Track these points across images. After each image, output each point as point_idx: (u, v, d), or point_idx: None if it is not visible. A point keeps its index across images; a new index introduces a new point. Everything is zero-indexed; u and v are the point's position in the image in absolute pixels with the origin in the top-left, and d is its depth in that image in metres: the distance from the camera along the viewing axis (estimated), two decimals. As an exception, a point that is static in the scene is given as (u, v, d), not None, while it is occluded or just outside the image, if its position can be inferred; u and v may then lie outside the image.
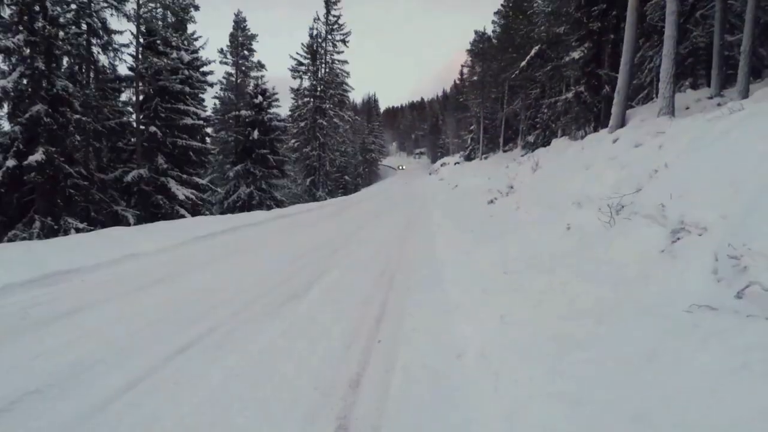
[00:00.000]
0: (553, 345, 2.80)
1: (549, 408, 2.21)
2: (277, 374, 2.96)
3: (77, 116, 13.18)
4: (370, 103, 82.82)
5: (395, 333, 3.78)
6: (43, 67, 12.17)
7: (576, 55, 13.86)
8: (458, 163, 43.03)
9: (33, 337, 3.53)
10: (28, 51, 11.99)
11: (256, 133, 23.97)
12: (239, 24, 29.31)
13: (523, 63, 18.53)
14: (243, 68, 29.61)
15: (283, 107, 38.36)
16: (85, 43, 15.50)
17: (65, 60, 14.65)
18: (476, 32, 38.04)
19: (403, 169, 65.20)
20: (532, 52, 17.79)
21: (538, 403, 2.27)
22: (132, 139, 17.59)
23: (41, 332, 3.64)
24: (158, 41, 17.57)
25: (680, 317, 2.49)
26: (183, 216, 16.48)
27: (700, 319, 2.37)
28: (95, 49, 16.14)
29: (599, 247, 4.24)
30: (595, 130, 13.61)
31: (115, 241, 7.49)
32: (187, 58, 19.11)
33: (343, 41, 34.77)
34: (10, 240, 11.02)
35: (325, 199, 29.72)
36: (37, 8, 12.10)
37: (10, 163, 11.69)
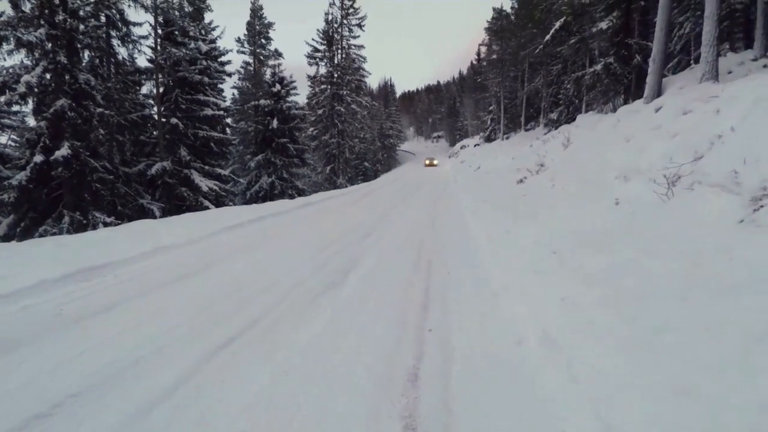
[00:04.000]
0: (631, 328, 2.51)
1: (648, 401, 1.94)
2: (329, 370, 2.76)
3: (100, 110, 13.21)
4: (387, 88, 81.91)
5: (444, 320, 3.55)
6: (66, 61, 12.17)
7: (604, 25, 13.17)
8: (478, 144, 42.22)
9: (69, 336, 3.41)
10: (50, 45, 11.99)
11: (275, 123, 23.79)
12: (256, 12, 29.02)
13: (548, 37, 17.77)
14: (260, 57, 29.40)
15: (301, 95, 38.19)
16: (104, 35, 15.47)
17: (86, 53, 14.67)
18: (494, 9, 36.90)
19: (435, 164, 47.51)
20: (557, 24, 17.03)
21: (632, 395, 2.00)
22: (154, 132, 17.66)
23: (78, 330, 3.52)
24: (176, 31, 17.48)
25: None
26: (207, 207, 16.52)
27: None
28: (114, 42, 16.15)
29: (659, 220, 3.90)
30: (626, 102, 12.98)
31: (144, 234, 7.42)
32: (204, 48, 18.98)
33: (359, 26, 34.16)
34: (41, 235, 11.15)
35: (346, 186, 29.51)
36: (57, 1, 12.05)
37: (38, 158, 11.80)
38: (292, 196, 23.24)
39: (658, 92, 9.00)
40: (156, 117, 17.41)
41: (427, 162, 49.37)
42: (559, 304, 3.16)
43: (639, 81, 12.58)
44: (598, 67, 12.79)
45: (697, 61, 14.96)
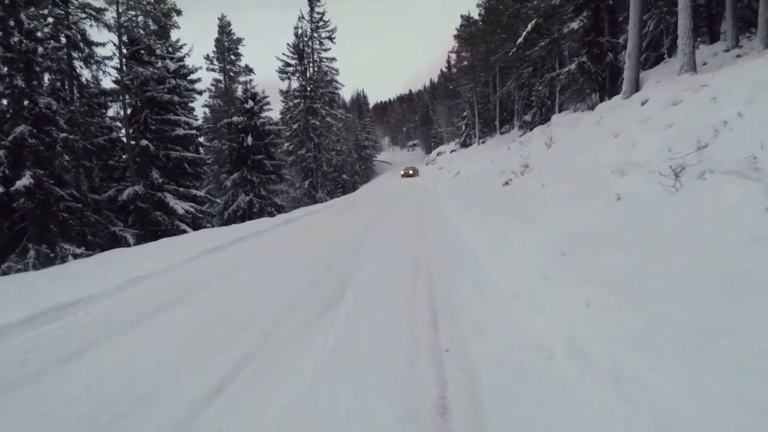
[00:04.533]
0: (676, 333, 2.24)
1: (734, 421, 1.66)
2: (344, 408, 2.41)
3: (64, 135, 12.55)
4: (360, 100, 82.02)
5: (459, 337, 3.25)
6: (24, 85, 11.52)
7: (575, 25, 13.30)
8: (454, 150, 42.43)
9: (36, 390, 2.96)
10: (5, 69, 11.34)
11: (249, 139, 23.29)
12: (224, 28, 28.56)
13: (520, 40, 17.89)
14: (231, 74, 28.88)
15: (274, 110, 37.63)
16: (65, 57, 14.82)
17: (46, 76, 14.01)
18: (462, 17, 37.46)
19: (412, 175, 40.77)
20: (529, 27, 17.16)
21: (706, 416, 1.73)
22: (123, 156, 16.97)
23: (45, 383, 3.07)
24: (142, 50, 16.94)
25: None
26: (184, 231, 15.89)
27: None
28: (77, 63, 15.49)
29: (670, 213, 3.71)
30: (601, 99, 13.07)
31: (118, 265, 6.91)
32: (173, 66, 18.44)
33: (330, 38, 34.10)
34: (4, 273, 10.41)
35: (326, 200, 29.09)
36: (11, 23, 11.43)
37: (-3, 190, 11.07)
38: (271, 214, 22.71)
39: (636, 87, 9.00)
40: (125, 140, 16.75)
41: (403, 172, 42.44)
42: (583, 311, 2.90)
43: (613, 78, 12.70)
44: (573, 66, 12.87)
45: (662, 57, 15.25)
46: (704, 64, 8.78)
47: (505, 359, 2.80)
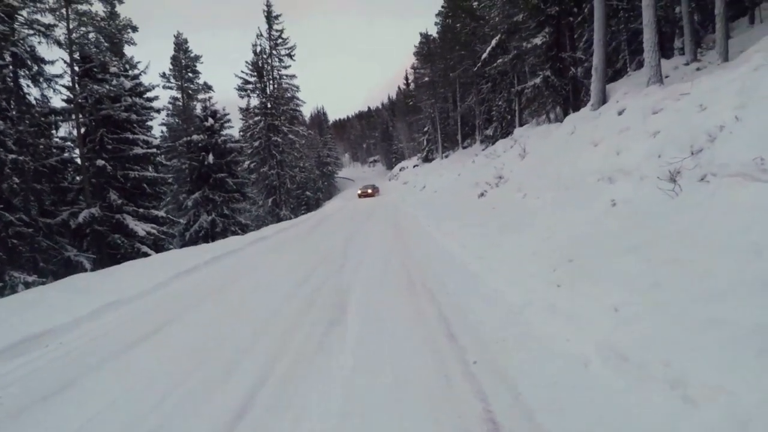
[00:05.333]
0: (729, 334, 2.21)
1: None
2: (390, 428, 2.24)
3: (12, 156, 11.67)
4: (320, 117, 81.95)
5: (481, 349, 3.14)
6: (-34, 105, 10.66)
7: (538, 41, 13.82)
8: (417, 165, 42.91)
9: None
10: (-55, 88, 10.47)
11: (211, 158, 22.60)
12: (180, 46, 27.78)
13: (485, 55, 18.44)
14: (189, 91, 28.04)
15: (234, 128, 36.80)
16: (11, 75, 13.88)
17: (-10, 96, 13.05)
18: (421, 34, 38.34)
19: (371, 194, 35.30)
20: (493, 42, 17.73)
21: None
22: (77, 177, 16.00)
23: (22, 428, 2.71)
24: (95, 68, 16.16)
25: None
26: (145, 254, 15.03)
27: None
28: (23, 82, 14.54)
29: (675, 217, 3.77)
30: (565, 112, 13.58)
31: (84, 291, 6.39)
32: (128, 84, 17.66)
33: (289, 55, 33.85)
34: (-53, 306, 9.44)
35: (290, 217, 28.50)
36: (-50, 39, 10.61)
37: (-62, 217, 10.11)
38: (235, 233, 22.00)
39: (604, 99, 9.38)
40: (78, 160, 15.81)
41: (361, 192, 36.33)
42: (613, 317, 2.86)
43: (575, 92, 13.25)
44: (538, 80, 13.35)
45: (618, 72, 16.07)
46: (666, 77, 9.26)
47: (538, 368, 2.71)
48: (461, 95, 32.07)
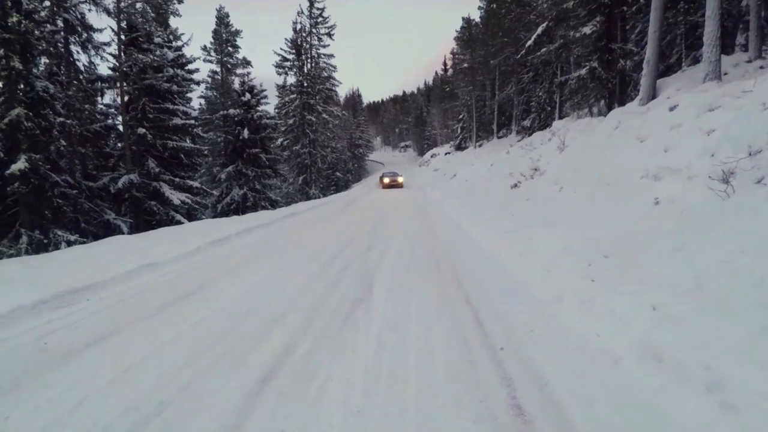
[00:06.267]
0: None
1: None
2: (411, 408, 2.25)
3: (61, 119, 12.15)
4: (354, 98, 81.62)
5: (509, 337, 3.10)
6: (21, 67, 11.10)
7: (587, 30, 13.27)
8: (449, 153, 42.37)
9: (62, 377, 2.75)
10: (2, 50, 10.91)
11: (246, 132, 22.95)
12: (222, 20, 28.13)
13: (530, 42, 17.85)
14: (228, 65, 28.47)
15: (270, 105, 37.12)
16: (63, 41, 14.35)
17: (43, 60, 13.54)
18: (463, 19, 37.54)
19: (398, 182, 28.79)
20: (539, 30, 17.14)
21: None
22: (119, 143, 16.55)
23: (70, 369, 2.86)
24: (141, 37, 16.52)
25: None
26: (179, 222, 15.53)
27: None
28: (74, 48, 15.03)
29: (729, 217, 3.59)
30: (609, 106, 13.08)
31: (124, 252, 6.64)
32: (171, 55, 18.04)
33: (329, 34, 33.74)
34: (-4, 257, 10.02)
35: (319, 197, 28.79)
36: (8, 2, 11.02)
37: (-10, 173, 10.65)
38: (265, 208, 22.39)
39: (653, 94, 8.98)
40: (120, 127, 16.32)
41: (388, 181, 29.19)
42: (650, 315, 2.77)
43: (622, 86, 12.72)
44: (584, 71, 12.85)
45: (669, 68, 15.32)
46: (725, 74, 8.77)
47: (566, 361, 2.66)
48: (500, 84, 31.33)
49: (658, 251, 3.59)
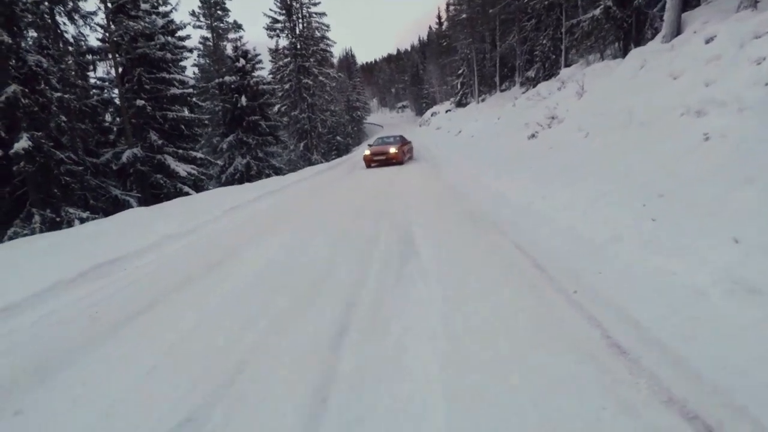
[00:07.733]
0: None
1: None
2: (505, 351, 2.16)
3: (58, 94, 11.74)
4: (348, 59, 79.52)
5: (576, 280, 2.98)
6: (10, 41, 10.62)
7: (598, -35, 12.55)
8: (450, 110, 41.47)
9: (123, 344, 2.66)
10: (-12, 23, 10.41)
11: (244, 100, 22.33)
12: (208, -19, 26.92)
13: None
14: (219, 30, 27.45)
15: (265, 70, 36.13)
16: (48, 11, 13.69)
17: (31, 33, 12.97)
18: (459, -34, 35.82)
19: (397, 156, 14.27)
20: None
21: None
22: (117, 118, 16.14)
23: (129, 336, 2.77)
24: (128, 4, 15.77)
25: None
26: (187, 194, 15.33)
27: None
28: (60, 20, 14.36)
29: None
30: (625, 48, 12.56)
31: (141, 224, 6.51)
32: (161, 22, 17.28)
33: (319, -9, 32.38)
34: (11, 238, 9.90)
35: (321, 162, 28.43)
36: (-11, -30, 10.41)
37: (-6, 154, 10.39)
38: (269, 176, 22.10)
39: (678, 30, 8.55)
40: (117, 101, 15.86)
41: (372, 153, 15.23)
42: (733, 249, 2.64)
43: (639, 25, 12.17)
44: (597, 11, 12.23)
45: (688, 3, 14.61)
46: (758, 1, 8.31)
47: (649, 299, 2.54)
48: (501, 34, 30.24)
49: (723, 186, 3.42)
